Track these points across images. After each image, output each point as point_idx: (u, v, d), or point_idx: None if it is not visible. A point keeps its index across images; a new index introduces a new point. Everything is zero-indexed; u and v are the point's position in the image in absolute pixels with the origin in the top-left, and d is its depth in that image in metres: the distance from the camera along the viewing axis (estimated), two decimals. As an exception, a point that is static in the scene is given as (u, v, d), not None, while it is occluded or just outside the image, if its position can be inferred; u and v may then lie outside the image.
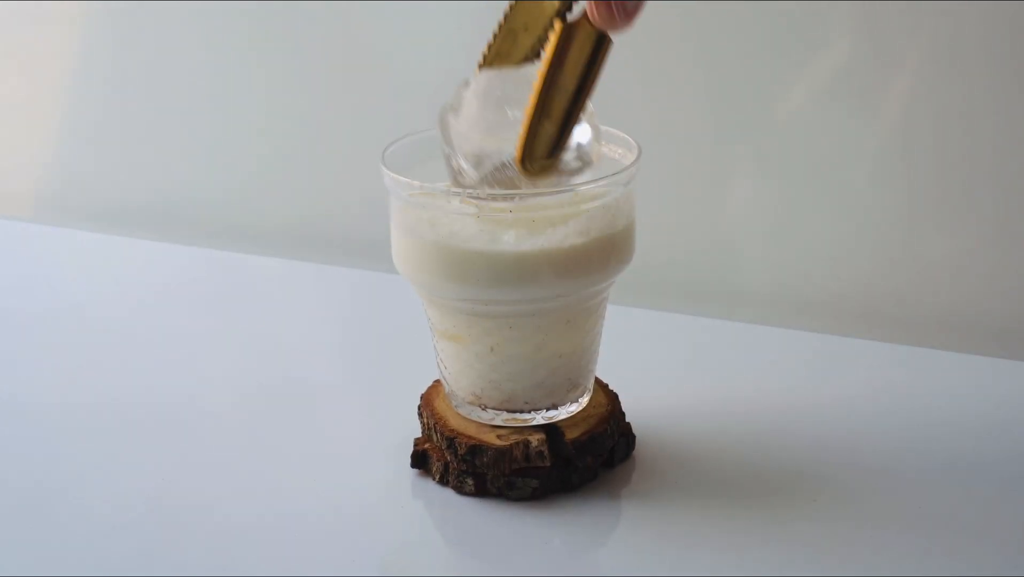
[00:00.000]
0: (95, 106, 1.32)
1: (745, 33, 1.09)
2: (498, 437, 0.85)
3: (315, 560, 0.80)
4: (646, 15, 0.78)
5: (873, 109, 1.07)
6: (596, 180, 0.82)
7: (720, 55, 1.10)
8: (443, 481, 0.86)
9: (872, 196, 1.09)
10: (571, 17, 0.81)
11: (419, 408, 0.89)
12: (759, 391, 0.96)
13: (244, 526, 0.83)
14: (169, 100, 1.29)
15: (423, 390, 0.90)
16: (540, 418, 0.86)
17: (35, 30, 1.31)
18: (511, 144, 0.80)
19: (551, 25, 0.82)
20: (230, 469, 0.89)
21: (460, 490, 0.85)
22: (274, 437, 0.92)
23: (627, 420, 0.89)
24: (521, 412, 0.86)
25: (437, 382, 0.90)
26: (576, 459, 0.85)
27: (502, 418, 0.86)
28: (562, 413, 0.86)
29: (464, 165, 0.81)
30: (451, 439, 0.85)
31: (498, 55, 0.83)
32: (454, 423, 0.86)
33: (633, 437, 0.89)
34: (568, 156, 0.81)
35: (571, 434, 0.85)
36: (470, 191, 0.81)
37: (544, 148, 0.80)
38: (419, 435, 0.89)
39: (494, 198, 0.81)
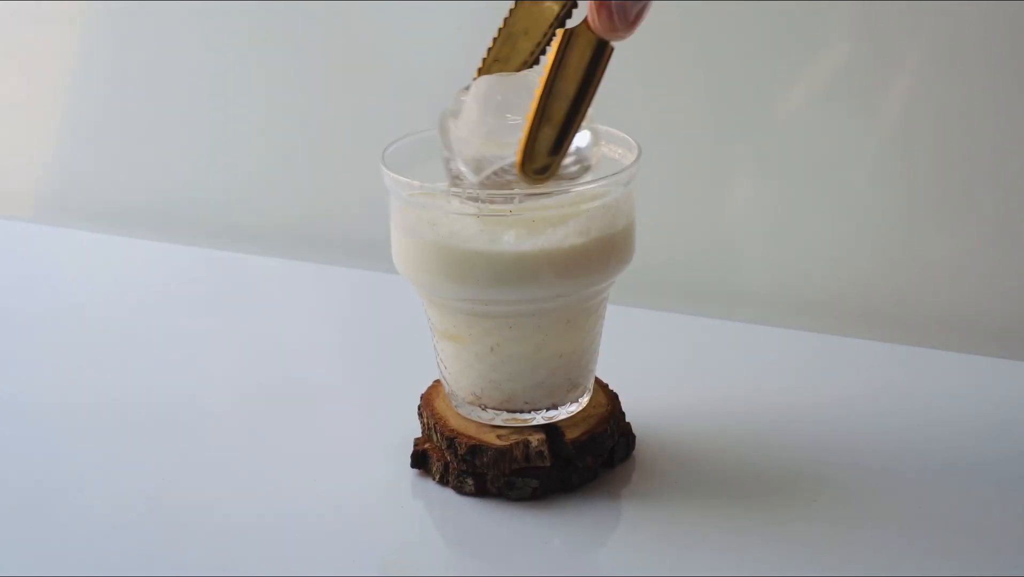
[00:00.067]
0: (95, 106, 1.32)
1: (745, 33, 1.09)
2: (498, 437, 0.85)
3: (315, 560, 0.80)
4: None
5: (873, 109, 1.07)
6: (596, 180, 0.82)
7: (720, 55, 1.10)
8: (443, 481, 0.86)
9: (872, 196, 1.09)
10: (571, 22, 0.81)
11: (419, 408, 0.89)
12: (759, 391, 0.96)
13: (244, 526, 0.83)
14: (169, 100, 1.29)
15: (423, 390, 0.90)
16: (540, 418, 0.86)
17: (35, 30, 1.31)
18: (511, 149, 0.80)
19: (551, 30, 0.82)
20: (230, 469, 0.89)
21: (460, 490, 0.85)
22: (274, 437, 0.92)
23: (627, 420, 0.89)
24: (521, 412, 0.86)
25: (437, 382, 0.90)
26: (576, 459, 0.85)
27: (502, 418, 0.86)
28: (562, 413, 0.86)
29: (464, 170, 0.81)
30: (451, 439, 0.85)
31: (496, 60, 0.84)
32: (454, 423, 0.86)
33: (633, 437, 0.89)
34: (568, 161, 0.81)
35: (571, 434, 0.85)
36: (470, 191, 0.81)
37: (544, 153, 0.80)
38: (419, 435, 0.89)
39: (493, 199, 0.81)
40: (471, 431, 0.85)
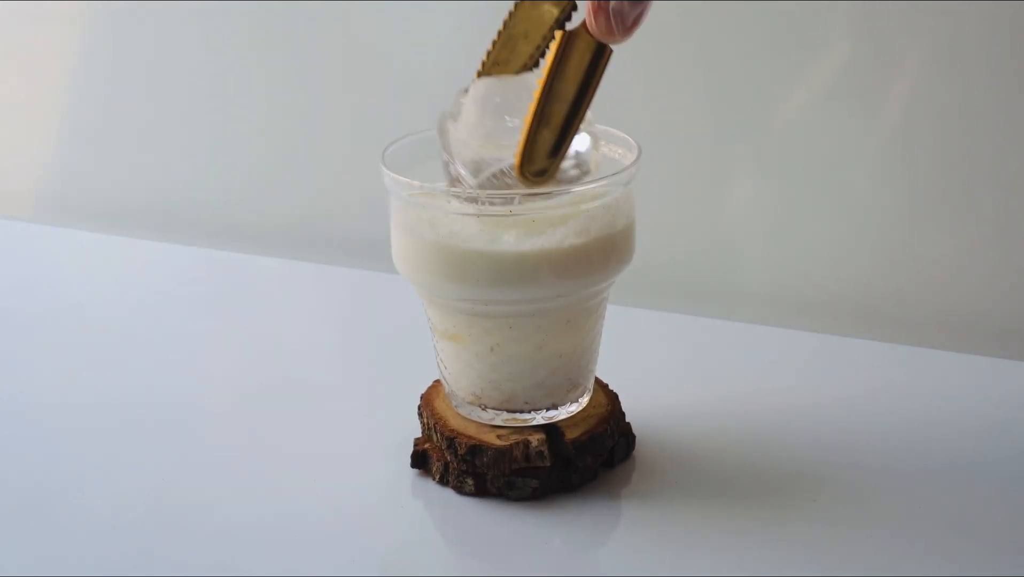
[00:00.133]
0: (95, 106, 1.32)
1: (745, 33, 1.09)
2: (498, 437, 0.85)
3: (315, 560, 0.80)
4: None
5: (873, 109, 1.07)
6: (596, 180, 0.82)
7: (720, 56, 1.10)
8: (443, 481, 0.86)
9: (872, 196, 1.09)
10: (571, 25, 0.81)
11: (419, 408, 0.89)
12: (759, 391, 0.96)
13: (244, 526, 0.83)
14: (169, 100, 1.29)
15: (423, 390, 0.90)
16: (540, 418, 0.86)
17: (35, 30, 1.31)
18: (510, 152, 0.80)
19: (550, 33, 0.82)
20: (230, 469, 0.89)
21: (460, 490, 0.85)
22: (274, 437, 0.92)
23: (627, 420, 0.89)
24: (521, 412, 0.86)
25: (437, 382, 0.90)
26: (576, 459, 0.85)
27: (502, 418, 0.86)
28: (562, 413, 0.86)
29: (463, 172, 0.81)
30: (451, 439, 0.85)
31: (496, 63, 0.84)
32: (454, 423, 0.86)
33: (633, 437, 0.89)
34: (566, 164, 0.81)
35: (571, 434, 0.85)
36: (469, 192, 0.81)
37: (543, 156, 0.80)
38: (419, 435, 0.89)
39: (493, 200, 0.81)
40: (471, 431, 0.85)
